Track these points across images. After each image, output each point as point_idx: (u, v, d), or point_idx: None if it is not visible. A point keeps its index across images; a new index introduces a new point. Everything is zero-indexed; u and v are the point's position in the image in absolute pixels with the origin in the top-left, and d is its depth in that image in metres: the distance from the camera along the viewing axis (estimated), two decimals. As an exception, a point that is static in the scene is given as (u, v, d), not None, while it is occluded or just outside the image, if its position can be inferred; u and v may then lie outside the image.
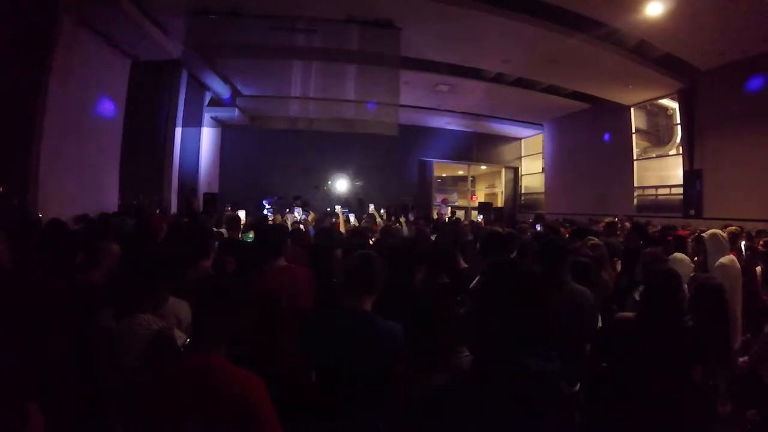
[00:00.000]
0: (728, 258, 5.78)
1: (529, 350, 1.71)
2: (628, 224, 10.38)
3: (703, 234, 6.29)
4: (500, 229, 8.28)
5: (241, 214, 10.88)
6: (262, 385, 2.17)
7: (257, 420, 2.09)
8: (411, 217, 13.80)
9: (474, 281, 1.89)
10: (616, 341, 3.54)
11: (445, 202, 21.35)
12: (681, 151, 16.61)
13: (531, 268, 1.94)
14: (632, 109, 18.86)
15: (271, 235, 4.40)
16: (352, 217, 11.49)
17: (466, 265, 4.79)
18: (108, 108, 13.11)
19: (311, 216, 11.91)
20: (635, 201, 18.71)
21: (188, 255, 4.06)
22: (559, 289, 3.77)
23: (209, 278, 2.64)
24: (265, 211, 14.56)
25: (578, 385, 3.60)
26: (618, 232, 8.77)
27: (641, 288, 4.90)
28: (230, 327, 2.27)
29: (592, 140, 20.61)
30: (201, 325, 2.25)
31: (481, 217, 17.13)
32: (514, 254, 4.92)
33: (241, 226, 7.94)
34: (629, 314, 3.94)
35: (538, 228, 10.26)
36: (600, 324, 4.12)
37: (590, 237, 6.99)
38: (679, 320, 3.53)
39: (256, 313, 3.73)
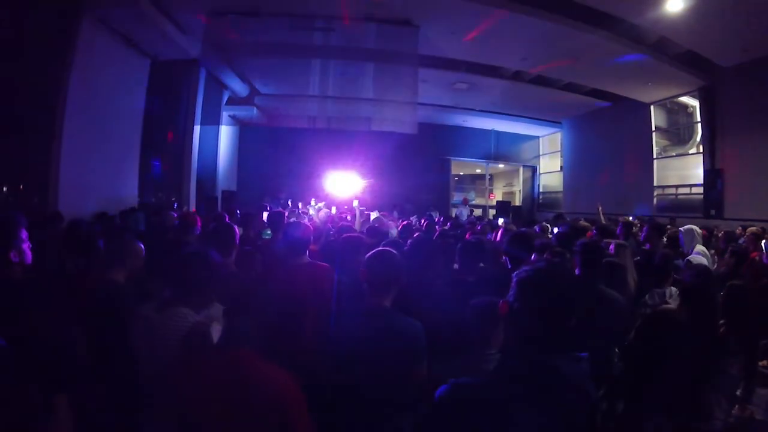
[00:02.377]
0: (702, 247, 6.69)
1: (560, 351, 1.71)
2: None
3: (681, 228, 7.18)
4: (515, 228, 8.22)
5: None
6: (292, 381, 2.20)
7: (289, 415, 2.12)
8: (436, 217, 13.78)
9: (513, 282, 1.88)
10: (657, 332, 3.53)
11: (465, 202, 20.95)
12: (701, 150, 16.40)
13: (566, 271, 1.94)
14: (652, 107, 18.65)
15: (296, 233, 4.41)
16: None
17: (482, 264, 4.77)
18: (127, 107, 13.23)
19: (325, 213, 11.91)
20: (655, 200, 18.53)
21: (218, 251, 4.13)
22: (593, 294, 3.76)
23: (238, 278, 2.67)
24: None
25: (602, 390, 3.58)
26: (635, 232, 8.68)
27: (660, 290, 4.91)
28: (258, 324, 2.30)
29: (611, 138, 20.46)
30: (231, 323, 2.29)
31: (501, 219, 16.85)
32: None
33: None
34: (671, 306, 3.93)
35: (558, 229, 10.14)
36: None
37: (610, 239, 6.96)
38: (712, 316, 3.53)
39: (281, 309, 3.75)
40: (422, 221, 10.58)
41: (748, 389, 4.49)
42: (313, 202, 11.86)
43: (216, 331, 2.92)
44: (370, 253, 3.19)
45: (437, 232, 7.95)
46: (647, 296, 4.97)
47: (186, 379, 2.19)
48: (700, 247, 6.73)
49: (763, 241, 7.16)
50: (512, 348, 1.82)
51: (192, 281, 2.86)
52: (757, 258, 6.82)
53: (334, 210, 11.83)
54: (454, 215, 17.80)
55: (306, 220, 9.27)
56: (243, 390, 2.07)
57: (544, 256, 4.62)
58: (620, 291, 4.14)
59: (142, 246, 4.02)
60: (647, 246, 6.94)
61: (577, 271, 3.96)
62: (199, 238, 6.30)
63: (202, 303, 2.86)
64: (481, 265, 4.56)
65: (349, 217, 11.47)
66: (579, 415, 1.73)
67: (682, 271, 4.98)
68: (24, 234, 3.00)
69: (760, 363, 5.34)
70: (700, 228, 7.32)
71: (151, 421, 2.61)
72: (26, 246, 2.96)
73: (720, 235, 9.17)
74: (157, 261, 4.00)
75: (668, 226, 11.18)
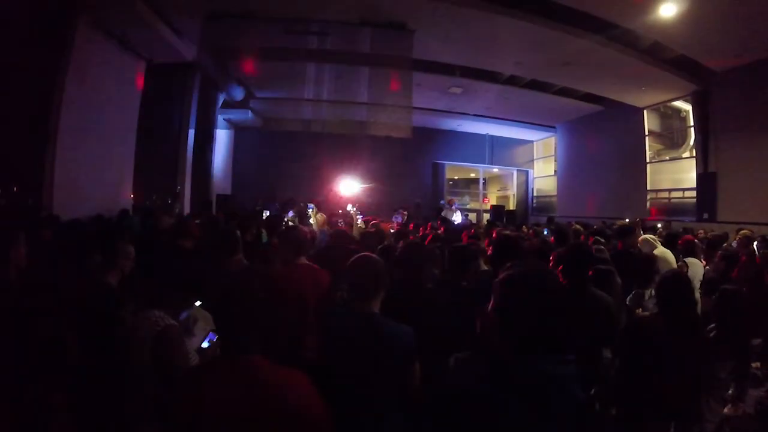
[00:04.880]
0: (660, 249, 7.00)
1: (546, 354, 1.73)
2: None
3: (638, 242, 7.37)
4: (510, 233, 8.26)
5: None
6: (307, 381, 2.11)
7: (307, 419, 2.00)
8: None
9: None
10: (635, 341, 3.56)
11: (451, 204, 20.56)
12: (695, 154, 16.49)
13: (550, 273, 1.96)
14: (645, 111, 18.76)
15: (293, 235, 4.46)
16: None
17: (486, 268, 4.80)
18: (122, 110, 13.22)
19: (322, 217, 11.86)
20: (648, 204, 18.61)
21: (224, 251, 4.32)
22: (580, 295, 3.78)
23: (238, 281, 2.60)
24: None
25: (593, 390, 3.59)
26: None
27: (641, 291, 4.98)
28: (265, 327, 2.19)
29: (605, 142, 20.56)
30: (237, 328, 2.16)
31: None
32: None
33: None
34: (647, 314, 3.97)
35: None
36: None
37: (598, 239, 7.07)
38: (692, 319, 3.55)
39: (283, 308, 3.79)
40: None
41: (740, 390, 4.52)
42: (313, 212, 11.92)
43: (199, 330, 2.92)
44: (353, 258, 3.19)
45: (429, 237, 7.94)
46: (628, 298, 5.03)
47: (196, 391, 2.05)
48: (658, 251, 6.93)
49: (755, 243, 7.22)
50: (498, 350, 1.83)
51: (163, 281, 2.85)
52: (747, 260, 6.86)
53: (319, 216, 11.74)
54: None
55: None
56: (261, 400, 1.95)
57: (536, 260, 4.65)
58: (609, 293, 4.16)
59: (135, 249, 4.05)
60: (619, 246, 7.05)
61: (567, 274, 3.97)
62: (200, 242, 6.37)
63: (178, 303, 2.85)
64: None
65: (341, 222, 11.44)
66: (566, 417, 1.74)
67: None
68: (23, 238, 3.02)
69: (753, 365, 5.38)
70: (694, 232, 7.46)
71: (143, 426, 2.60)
72: (24, 250, 2.99)
73: (703, 236, 9.19)
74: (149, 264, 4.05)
75: (659, 227, 11.36)
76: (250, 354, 2.09)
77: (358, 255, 3.24)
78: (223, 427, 1.94)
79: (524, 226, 12.67)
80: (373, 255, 3.31)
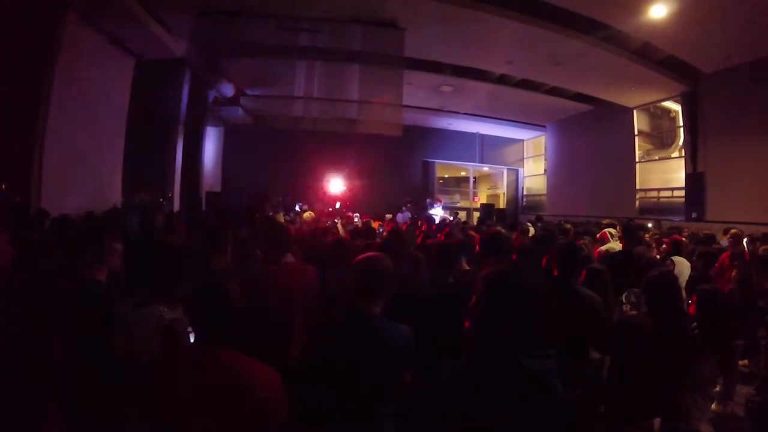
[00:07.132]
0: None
1: (527, 349, 1.74)
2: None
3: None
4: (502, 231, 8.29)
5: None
6: (278, 379, 2.19)
7: (272, 414, 2.11)
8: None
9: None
10: (623, 338, 3.58)
11: (440, 202, 20.19)
12: (683, 154, 16.61)
13: (528, 271, 1.98)
14: (635, 111, 18.86)
15: (277, 233, 4.43)
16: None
17: (468, 267, 4.79)
18: (112, 106, 13.13)
19: (311, 215, 11.83)
20: (637, 203, 18.72)
21: (210, 248, 4.35)
22: (567, 293, 3.79)
23: (211, 278, 2.63)
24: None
25: (580, 388, 3.60)
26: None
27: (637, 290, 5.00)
28: (237, 323, 2.26)
29: (595, 142, 20.64)
30: (208, 321, 2.23)
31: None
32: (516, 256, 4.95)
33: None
34: (635, 313, 3.99)
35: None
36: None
37: (585, 237, 7.11)
38: (678, 317, 3.57)
39: (272, 305, 3.78)
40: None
41: (728, 387, 4.56)
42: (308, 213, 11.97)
43: None
44: (358, 258, 3.11)
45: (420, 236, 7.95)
46: (623, 295, 5.04)
47: (169, 378, 2.14)
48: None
49: (745, 240, 7.28)
50: (478, 346, 1.84)
51: (160, 275, 2.85)
52: (736, 259, 6.89)
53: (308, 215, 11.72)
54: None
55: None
56: (231, 390, 2.04)
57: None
58: (602, 293, 4.17)
59: (129, 246, 4.04)
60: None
61: (554, 273, 3.99)
62: (190, 238, 6.35)
63: (175, 297, 2.85)
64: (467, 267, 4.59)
65: (328, 223, 11.42)
66: (544, 410, 1.76)
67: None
68: (6, 234, 3.00)
69: (741, 362, 5.44)
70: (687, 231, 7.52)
71: (132, 420, 2.61)
72: (7, 248, 2.96)
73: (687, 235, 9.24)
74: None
75: (649, 225, 11.46)
76: (218, 346, 2.18)
77: (365, 255, 3.16)
78: (189, 410, 2.03)
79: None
80: (381, 255, 3.25)
